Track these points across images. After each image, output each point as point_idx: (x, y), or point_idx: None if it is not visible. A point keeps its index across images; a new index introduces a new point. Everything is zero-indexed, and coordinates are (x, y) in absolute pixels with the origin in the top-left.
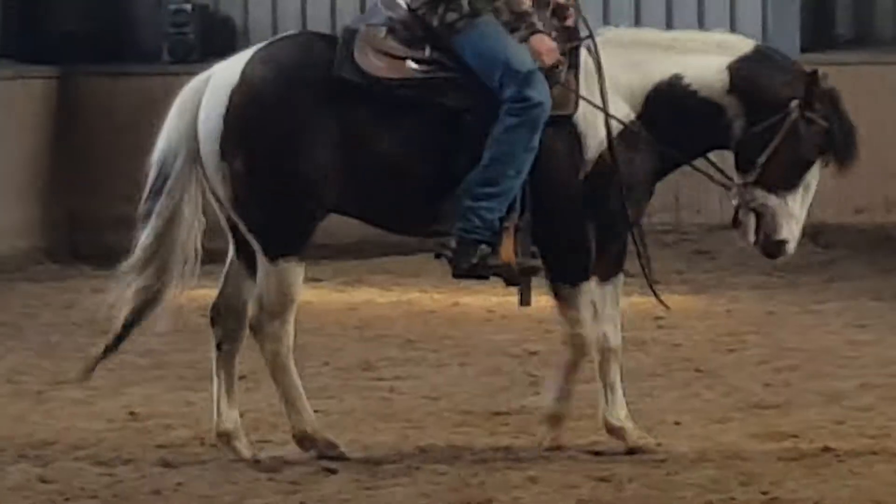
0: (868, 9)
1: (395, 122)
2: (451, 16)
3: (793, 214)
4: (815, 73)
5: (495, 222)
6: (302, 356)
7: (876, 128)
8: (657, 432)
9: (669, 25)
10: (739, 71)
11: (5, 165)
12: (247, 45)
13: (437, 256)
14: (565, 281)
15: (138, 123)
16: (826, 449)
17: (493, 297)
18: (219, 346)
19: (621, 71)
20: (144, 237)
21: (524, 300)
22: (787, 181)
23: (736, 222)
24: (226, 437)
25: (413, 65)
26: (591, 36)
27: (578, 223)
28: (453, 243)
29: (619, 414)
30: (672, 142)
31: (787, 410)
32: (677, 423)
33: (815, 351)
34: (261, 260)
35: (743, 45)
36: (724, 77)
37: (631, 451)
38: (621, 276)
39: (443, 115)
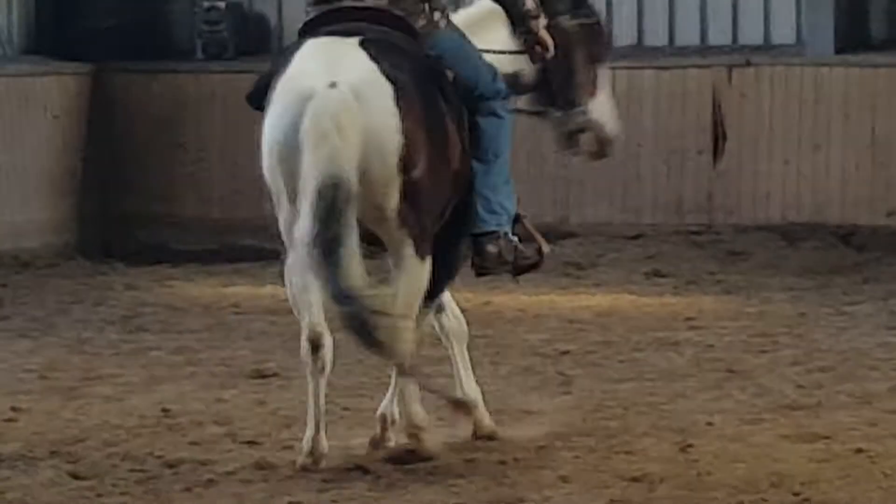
0: None
1: (453, 117)
2: (437, 14)
3: (609, 108)
4: None
5: (513, 213)
6: (335, 353)
7: None
8: (689, 432)
9: (704, 28)
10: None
11: (39, 162)
12: (280, 43)
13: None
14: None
15: (172, 120)
16: (858, 451)
17: (524, 297)
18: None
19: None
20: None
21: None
22: (593, 85)
23: (567, 145)
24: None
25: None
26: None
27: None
28: (479, 240)
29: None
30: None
31: (819, 412)
32: (709, 424)
33: (848, 352)
34: (410, 264)
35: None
36: (511, 46)
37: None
38: None
39: (461, 115)
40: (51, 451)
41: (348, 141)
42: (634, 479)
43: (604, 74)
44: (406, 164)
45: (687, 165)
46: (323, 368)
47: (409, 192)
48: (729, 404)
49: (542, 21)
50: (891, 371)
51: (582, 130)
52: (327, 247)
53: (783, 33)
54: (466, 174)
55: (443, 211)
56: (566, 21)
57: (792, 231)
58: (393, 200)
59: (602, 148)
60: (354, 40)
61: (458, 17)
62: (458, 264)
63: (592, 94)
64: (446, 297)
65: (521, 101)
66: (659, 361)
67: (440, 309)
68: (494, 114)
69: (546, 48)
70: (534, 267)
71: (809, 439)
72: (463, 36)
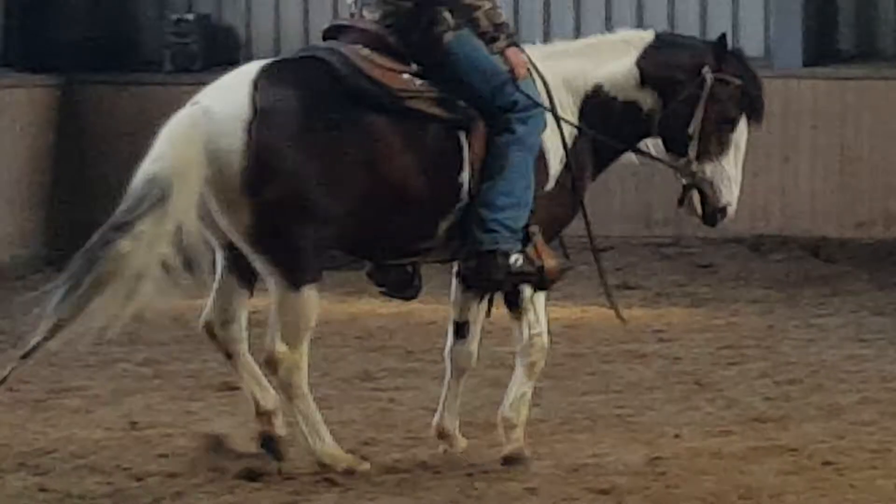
0: (870, 24)
1: (409, 136)
2: (437, 29)
3: (730, 177)
4: (721, 37)
5: (521, 231)
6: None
7: (878, 142)
8: (657, 445)
9: None
10: (646, 64)
11: (7, 173)
12: (249, 55)
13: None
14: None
15: (140, 132)
16: (826, 463)
17: (493, 309)
18: (227, 354)
19: (559, 86)
20: (112, 251)
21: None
22: (718, 146)
23: (682, 200)
24: (267, 416)
25: (409, 77)
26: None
27: (547, 234)
28: (475, 259)
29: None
30: (604, 146)
31: (787, 424)
32: (677, 436)
33: (816, 365)
34: (279, 291)
35: (645, 37)
36: (635, 74)
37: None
38: None
39: (444, 130)
40: (18, 462)
41: (179, 150)
42: (602, 492)
43: (739, 141)
44: (253, 187)
45: (655, 177)
46: (227, 351)
47: (264, 216)
48: (697, 416)
49: (502, 44)
50: (859, 383)
51: (690, 188)
52: (111, 228)
53: (752, 45)
54: (432, 197)
55: (364, 239)
56: (706, 72)
57: (760, 243)
58: (242, 221)
59: (706, 213)
60: (258, 66)
61: (582, 43)
62: None
63: (714, 154)
64: (475, 326)
65: (652, 144)
66: (627, 374)
67: (462, 334)
68: (508, 128)
69: (513, 70)
70: (534, 283)
71: (777, 452)
72: (473, 46)
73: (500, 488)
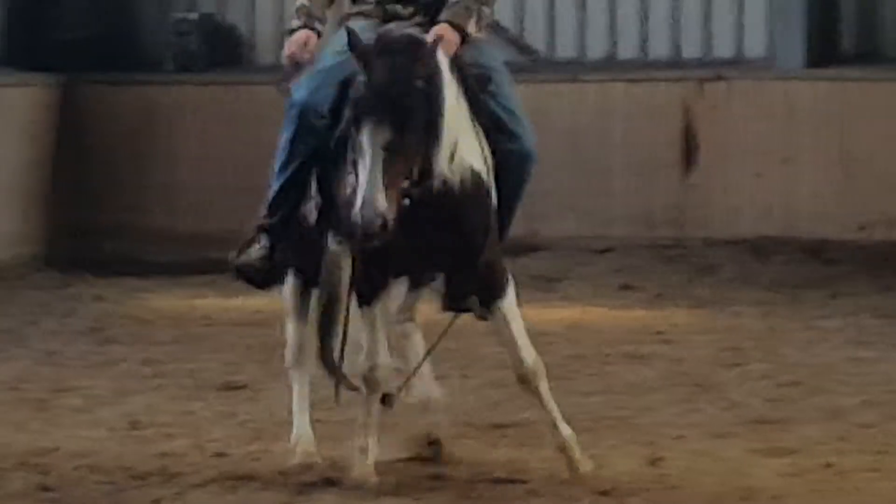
0: (873, 25)
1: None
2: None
3: (353, 186)
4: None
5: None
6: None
7: (880, 144)
8: (658, 446)
9: (675, 42)
10: None
11: (8, 173)
12: (251, 54)
13: None
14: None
15: (141, 132)
16: (828, 465)
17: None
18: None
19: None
20: None
21: None
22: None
23: None
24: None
25: None
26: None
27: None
28: None
29: None
30: None
31: (788, 426)
32: (678, 438)
33: (817, 367)
34: None
35: None
36: None
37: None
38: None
39: None
40: (19, 462)
41: None
42: (604, 493)
43: (363, 144)
44: None
45: (658, 179)
46: None
47: None
48: (698, 418)
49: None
50: (860, 385)
51: None
52: None
53: (755, 47)
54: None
55: None
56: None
57: (762, 245)
58: None
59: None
60: None
61: None
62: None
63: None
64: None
65: None
66: (628, 375)
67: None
68: None
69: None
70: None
71: (779, 453)
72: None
73: (501, 490)
